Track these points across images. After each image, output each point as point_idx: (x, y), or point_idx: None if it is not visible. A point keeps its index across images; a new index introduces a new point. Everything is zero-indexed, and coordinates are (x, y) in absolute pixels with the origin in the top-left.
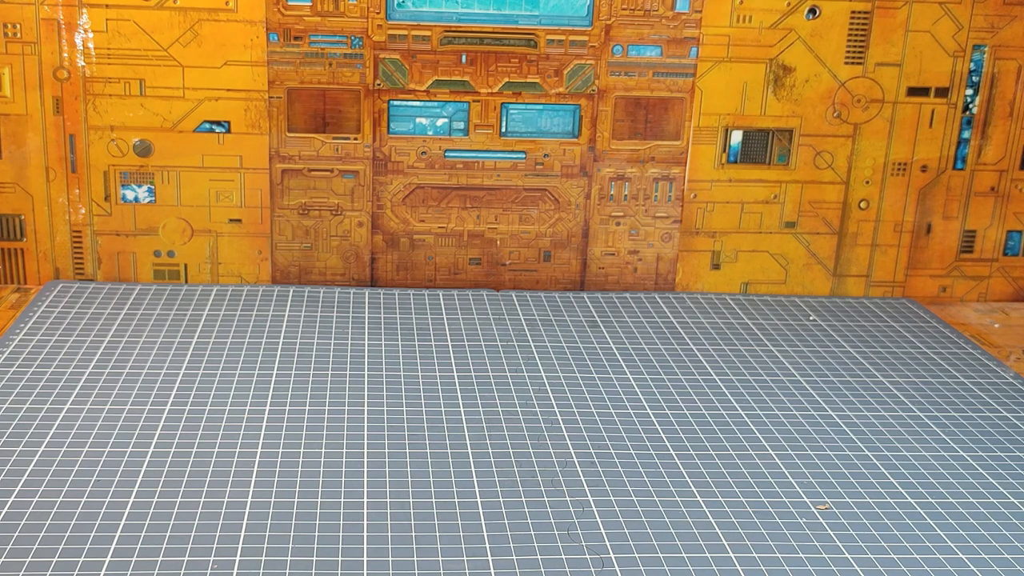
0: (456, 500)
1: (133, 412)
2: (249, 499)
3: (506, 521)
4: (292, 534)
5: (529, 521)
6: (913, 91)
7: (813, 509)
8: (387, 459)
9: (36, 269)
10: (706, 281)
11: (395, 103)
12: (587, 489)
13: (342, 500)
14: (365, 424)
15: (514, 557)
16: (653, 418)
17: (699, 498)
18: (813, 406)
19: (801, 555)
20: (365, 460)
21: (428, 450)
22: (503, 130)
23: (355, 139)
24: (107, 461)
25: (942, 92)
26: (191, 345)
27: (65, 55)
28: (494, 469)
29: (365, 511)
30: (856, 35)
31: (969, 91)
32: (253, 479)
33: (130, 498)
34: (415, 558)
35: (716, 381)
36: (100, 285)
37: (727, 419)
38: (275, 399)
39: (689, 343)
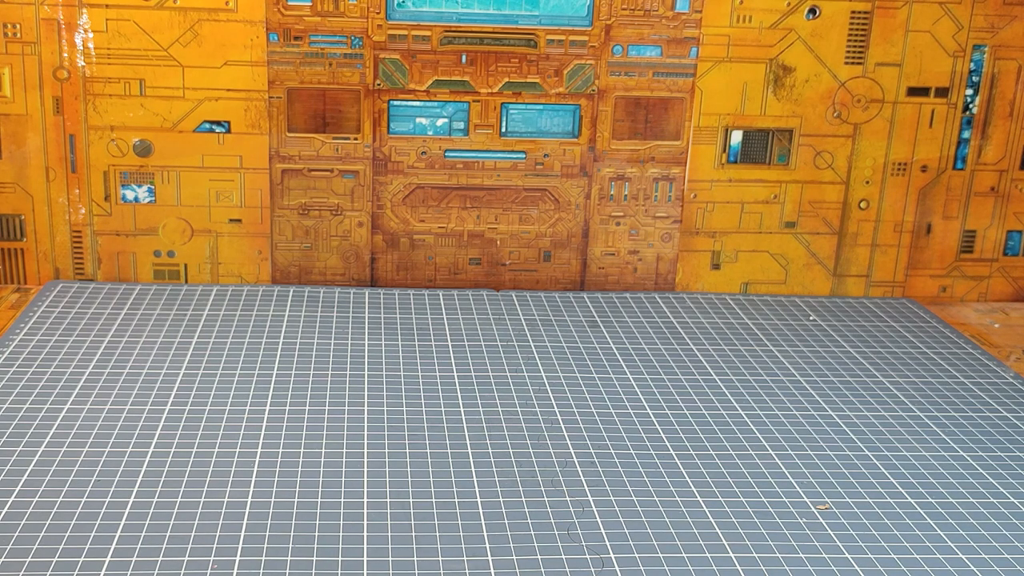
0: (456, 500)
1: (133, 412)
2: (249, 499)
3: (506, 521)
4: (292, 534)
5: (529, 521)
6: (913, 91)
7: (813, 509)
8: (387, 459)
9: (36, 269)
10: (706, 281)
11: (395, 103)
12: (587, 489)
13: (342, 500)
14: (365, 424)
15: (514, 557)
16: (653, 418)
17: (699, 498)
18: (813, 406)
19: (801, 555)
20: (365, 460)
21: (428, 450)
22: (503, 130)
23: (355, 139)
24: (107, 461)
25: (942, 92)
26: (191, 345)
27: (65, 55)
28: (494, 469)
29: (365, 511)
30: (856, 35)
31: (969, 91)
32: (253, 479)
33: (130, 498)
34: (415, 558)
35: (716, 381)
36: (100, 285)
37: (727, 419)
38: (275, 399)
39: (689, 343)
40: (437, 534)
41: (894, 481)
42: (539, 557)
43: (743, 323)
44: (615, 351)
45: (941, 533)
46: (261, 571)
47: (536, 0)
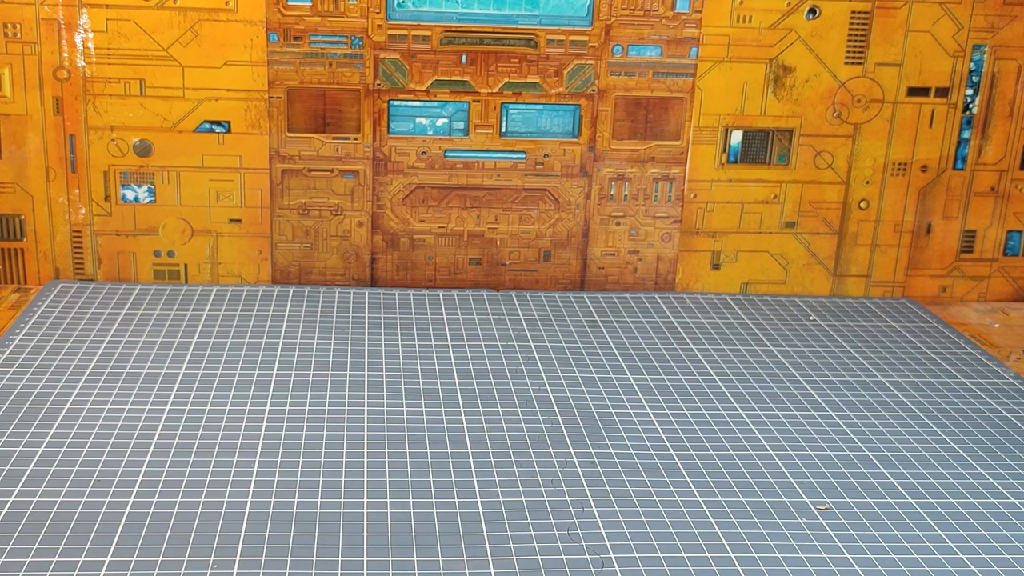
0: (456, 500)
1: (133, 412)
2: (249, 499)
3: (506, 521)
4: (292, 534)
5: (529, 521)
6: (913, 91)
7: (813, 509)
8: (387, 459)
9: (36, 269)
10: (706, 281)
11: (395, 103)
12: (587, 489)
13: (342, 500)
14: (365, 424)
15: (514, 557)
16: (653, 418)
17: (699, 498)
18: (813, 406)
19: (801, 555)
20: (365, 460)
21: (428, 450)
22: (503, 130)
23: (355, 139)
24: (107, 461)
25: (942, 92)
26: (191, 345)
27: (65, 55)
28: (494, 469)
29: (365, 511)
30: (856, 35)
31: (969, 91)
32: (253, 479)
33: (130, 498)
34: (415, 558)
35: (716, 381)
36: (100, 285)
37: (727, 419)
38: (275, 399)
39: (689, 343)
40: (437, 534)
41: (894, 481)
42: (539, 557)
43: (743, 323)
44: (615, 351)
45: (941, 533)
46: (261, 571)
47: (536, 0)
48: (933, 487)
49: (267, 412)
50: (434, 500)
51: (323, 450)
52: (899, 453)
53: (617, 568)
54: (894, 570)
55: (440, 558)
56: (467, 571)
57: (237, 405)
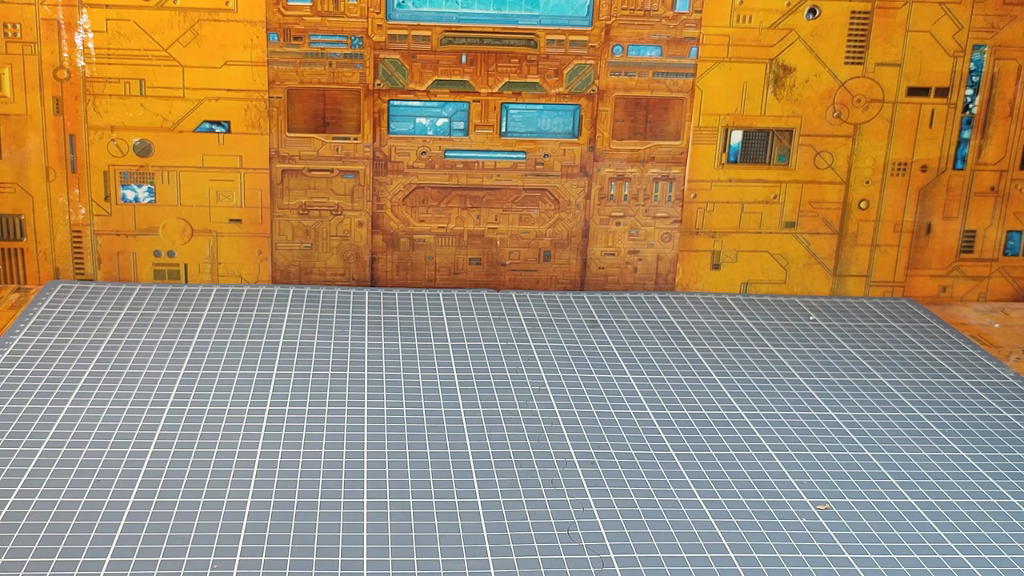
0: (456, 500)
1: (133, 412)
2: (249, 499)
3: (506, 521)
4: (292, 534)
5: (529, 521)
6: (913, 91)
7: (813, 509)
8: (387, 459)
9: (36, 269)
10: (706, 281)
11: (395, 103)
12: (587, 489)
13: (342, 500)
14: (365, 424)
15: (514, 557)
16: (653, 418)
17: (699, 498)
18: (813, 406)
19: (801, 555)
20: (365, 460)
21: (428, 450)
22: (503, 130)
23: (355, 139)
24: (107, 461)
25: (942, 92)
26: (191, 345)
27: (65, 55)
28: (494, 469)
29: (365, 511)
30: (856, 35)
31: (969, 91)
32: (253, 479)
33: (130, 498)
34: (415, 558)
35: (716, 381)
36: (100, 285)
37: (727, 419)
38: (275, 399)
39: (689, 343)
40: (437, 534)
41: (894, 481)
42: (539, 557)
43: (743, 323)
44: (615, 351)
45: (941, 533)
46: (261, 571)
47: (536, 0)
48: (933, 487)
49: (267, 412)
50: (434, 500)
51: (323, 450)
52: (899, 453)
53: (617, 568)
54: (894, 570)
55: (440, 558)
56: (467, 571)
57: (237, 405)
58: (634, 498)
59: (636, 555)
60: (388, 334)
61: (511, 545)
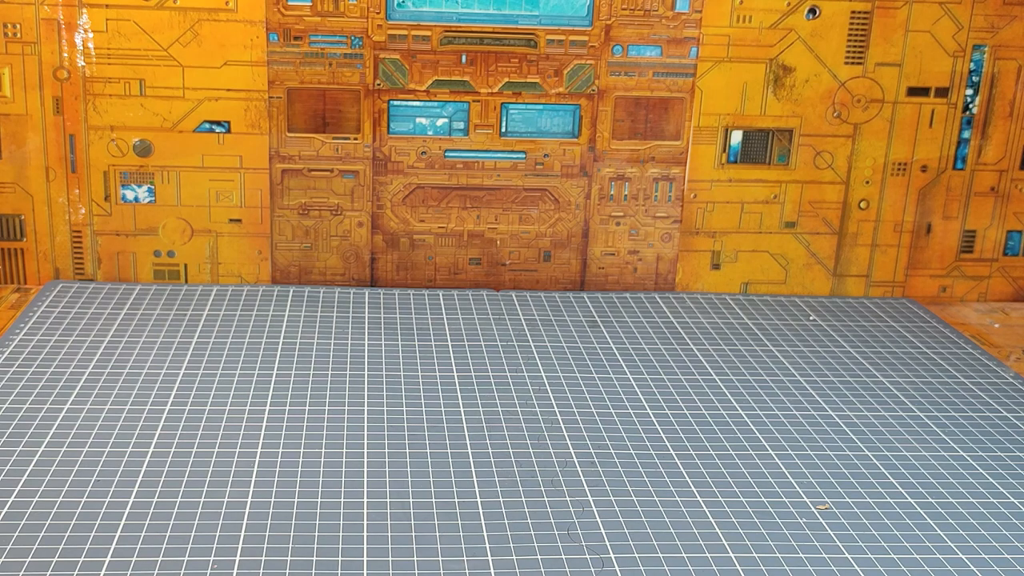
0: (456, 500)
1: (133, 412)
2: (249, 499)
3: (506, 521)
4: (292, 534)
5: (529, 521)
6: (913, 91)
7: (813, 509)
8: (387, 459)
9: (36, 269)
10: (706, 281)
11: (395, 103)
12: (587, 489)
13: (342, 500)
14: (365, 424)
15: (514, 557)
16: (653, 418)
17: (699, 498)
18: (813, 406)
19: (801, 555)
20: (365, 460)
21: (428, 450)
22: (503, 130)
23: (355, 139)
24: (107, 461)
25: (942, 92)
26: (191, 345)
27: (65, 55)
28: (494, 469)
29: (365, 511)
30: (856, 35)
31: (969, 91)
32: (253, 479)
33: (130, 498)
34: (415, 558)
35: (716, 381)
36: (100, 285)
37: (727, 419)
38: (275, 399)
39: (689, 343)
40: (437, 534)
41: (894, 481)
42: (539, 557)
43: (743, 323)
44: (615, 351)
45: (941, 533)
46: (261, 571)
47: (536, 0)
48: (933, 487)
49: (267, 412)
50: (434, 500)
51: (323, 450)
52: (899, 453)
53: (617, 568)
54: (894, 570)
55: (440, 558)
56: (467, 571)
57: (237, 405)
58: (634, 498)
59: (636, 555)
60: (388, 334)
61: (511, 545)
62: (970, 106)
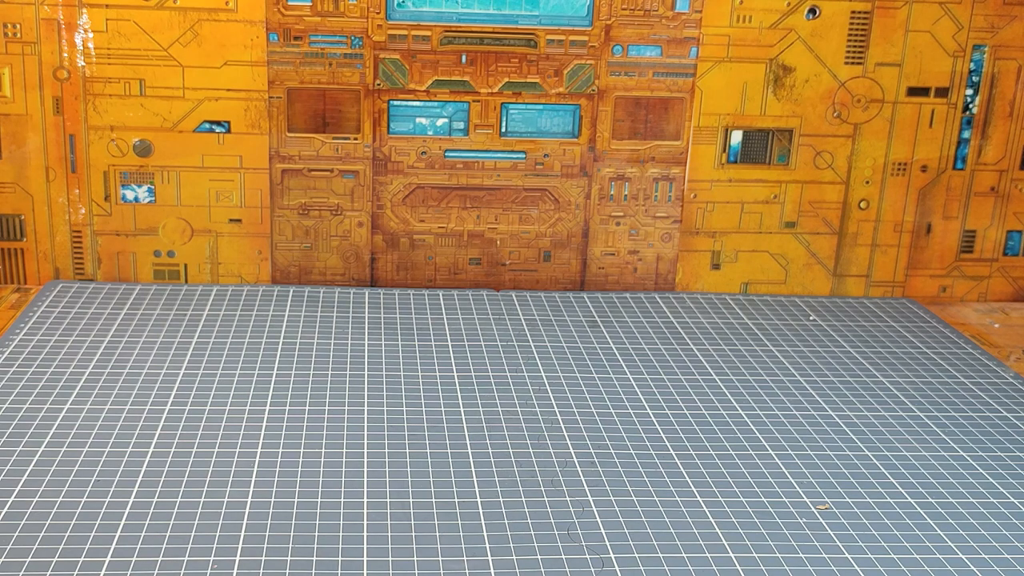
0: (456, 500)
1: (133, 412)
2: (249, 499)
3: (506, 521)
4: (292, 534)
5: (529, 521)
6: (913, 91)
7: (813, 509)
8: (387, 459)
9: (36, 269)
10: (706, 281)
11: (395, 103)
12: (587, 489)
13: (342, 500)
14: (365, 424)
15: (514, 557)
16: (653, 418)
17: (699, 498)
18: (813, 406)
19: (801, 555)
20: (365, 460)
21: (428, 450)
22: (503, 130)
23: (355, 139)
24: (107, 461)
25: (942, 92)
26: (191, 345)
27: (65, 55)
28: (494, 469)
29: (365, 511)
30: (856, 35)
31: (969, 91)
32: (253, 479)
33: (130, 498)
34: (415, 558)
35: (716, 381)
36: (100, 285)
37: (727, 419)
38: (275, 399)
39: (689, 343)
40: (437, 534)
41: (894, 481)
42: (539, 557)
43: (743, 323)
44: (615, 351)
45: (941, 533)
46: (261, 571)
47: (536, 0)
48: (933, 487)
49: (267, 412)
50: (434, 500)
51: (323, 450)
52: (899, 453)
53: (617, 568)
54: (894, 570)
55: (440, 558)
56: (467, 571)
57: (237, 405)
58: (634, 498)
59: (636, 555)
60: (388, 334)
61: (511, 545)
62: (970, 106)
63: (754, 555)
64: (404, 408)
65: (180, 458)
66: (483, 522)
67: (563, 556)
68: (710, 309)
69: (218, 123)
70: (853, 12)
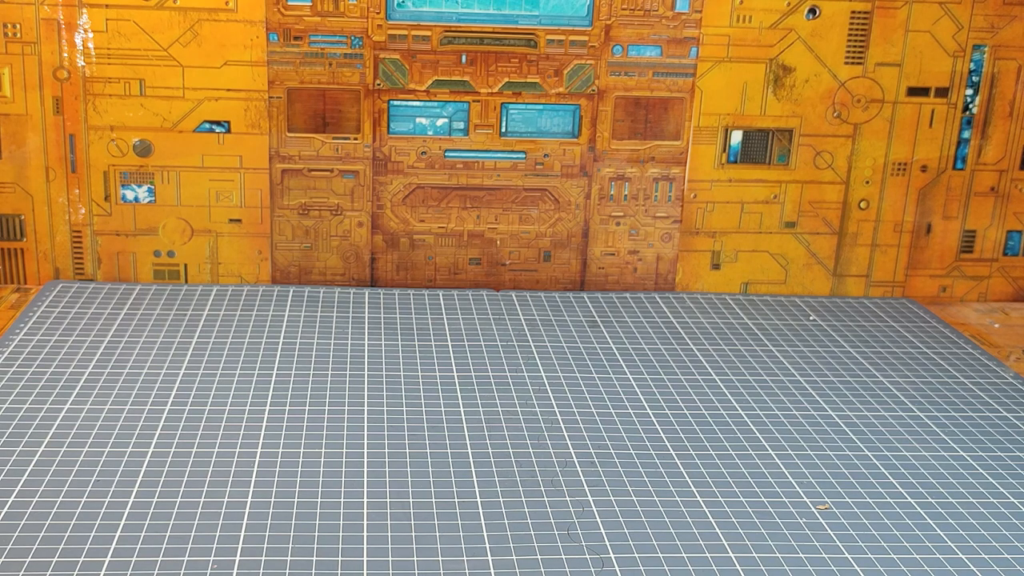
0: (456, 500)
1: (133, 412)
2: (249, 499)
3: (506, 521)
4: (292, 534)
5: (529, 521)
6: (913, 91)
7: (813, 509)
8: (387, 459)
9: (36, 269)
10: (706, 281)
11: (395, 103)
12: (587, 489)
13: (342, 500)
14: (365, 424)
15: (514, 557)
16: (653, 418)
17: (699, 498)
18: (813, 406)
19: (801, 555)
20: (365, 460)
21: (428, 450)
22: (503, 130)
23: (355, 139)
24: (107, 461)
25: (942, 92)
26: (191, 345)
27: (65, 55)
28: (494, 469)
29: (365, 511)
30: (856, 35)
31: (969, 91)
32: (253, 479)
33: (130, 498)
34: (415, 558)
35: (716, 381)
36: (100, 285)
37: (727, 419)
38: (275, 399)
39: (689, 343)
40: (437, 534)
41: (894, 481)
42: (539, 557)
43: (743, 323)
44: (615, 351)
45: (941, 533)
46: (261, 571)
47: (536, 0)
48: (933, 487)
49: (267, 412)
50: (434, 500)
51: (323, 450)
52: (899, 453)
53: (617, 568)
54: (894, 570)
55: (440, 558)
56: (467, 571)
57: (237, 405)
58: (634, 498)
59: (636, 555)
60: (388, 334)
61: (511, 545)
62: (970, 106)
63: (754, 555)
64: (404, 408)
65: (180, 458)
66: (483, 522)
67: (563, 556)
68: (710, 309)
69: (218, 123)
70: (853, 12)
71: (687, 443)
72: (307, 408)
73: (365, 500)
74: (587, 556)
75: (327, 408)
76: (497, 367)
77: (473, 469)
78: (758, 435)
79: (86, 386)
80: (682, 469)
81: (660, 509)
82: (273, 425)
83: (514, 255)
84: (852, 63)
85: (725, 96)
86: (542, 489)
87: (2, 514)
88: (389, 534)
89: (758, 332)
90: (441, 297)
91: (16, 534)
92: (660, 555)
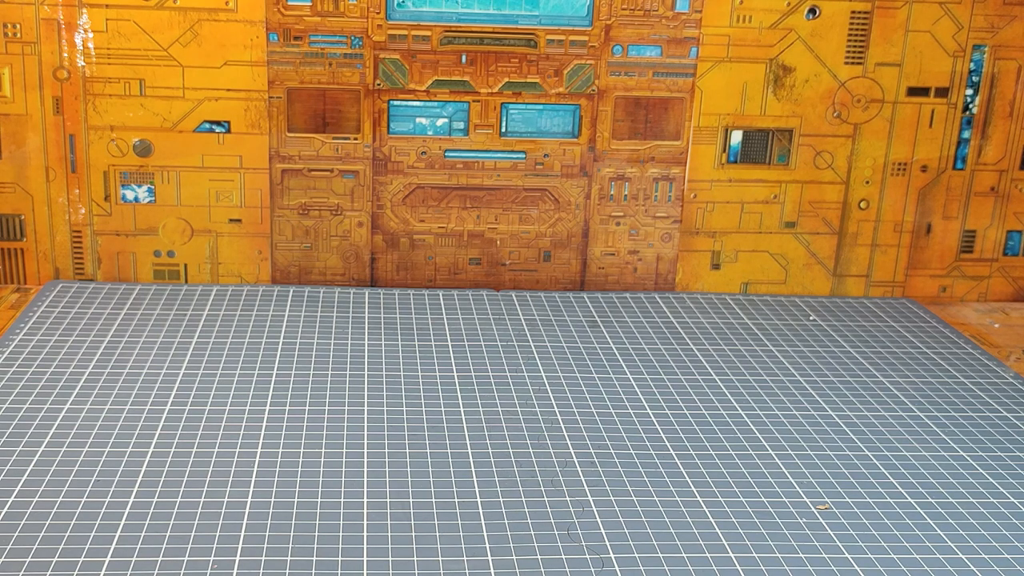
0: (456, 500)
1: (133, 412)
2: (249, 499)
3: (506, 521)
4: (292, 534)
5: (529, 521)
6: (913, 91)
7: (813, 509)
8: (387, 459)
9: (36, 269)
10: (706, 281)
11: (395, 103)
12: (587, 489)
13: (342, 500)
14: (365, 424)
15: (514, 557)
16: (653, 418)
17: (699, 498)
18: (813, 406)
19: (801, 555)
20: (365, 460)
21: (428, 450)
22: (503, 130)
23: (355, 139)
24: (107, 461)
25: (942, 92)
26: (191, 345)
27: (65, 55)
28: (494, 469)
29: (365, 511)
30: (856, 35)
31: (969, 91)
32: (253, 479)
33: (130, 498)
34: (415, 558)
35: (716, 381)
36: (100, 285)
37: (727, 419)
38: (275, 399)
39: (689, 343)
40: (437, 534)
41: (894, 481)
42: (539, 557)
43: (743, 323)
44: (615, 351)
45: (941, 533)
46: (261, 571)
47: (536, 0)
48: (933, 487)
49: (267, 412)
50: (434, 500)
51: (323, 450)
52: (899, 453)
53: (617, 568)
54: (894, 570)
55: (440, 558)
56: (467, 571)
57: (237, 405)
58: (634, 498)
59: (636, 555)
60: (388, 334)
61: (511, 545)
62: (970, 106)
63: (754, 555)
64: (404, 408)
65: (180, 458)
66: (483, 522)
67: (563, 556)
68: (710, 309)
69: (218, 123)
70: (853, 12)
71: (687, 443)
72: (307, 408)
73: (365, 500)
74: (587, 556)
75: (327, 408)
76: (497, 367)
77: (473, 469)
78: (758, 435)
79: (86, 386)
80: (682, 469)
81: (660, 509)
82: (273, 425)
83: (514, 255)
84: (852, 63)
85: (725, 96)
86: (542, 489)
87: (2, 514)
88: (389, 534)
89: (758, 332)
90: (441, 297)
91: (16, 534)
92: (660, 555)
